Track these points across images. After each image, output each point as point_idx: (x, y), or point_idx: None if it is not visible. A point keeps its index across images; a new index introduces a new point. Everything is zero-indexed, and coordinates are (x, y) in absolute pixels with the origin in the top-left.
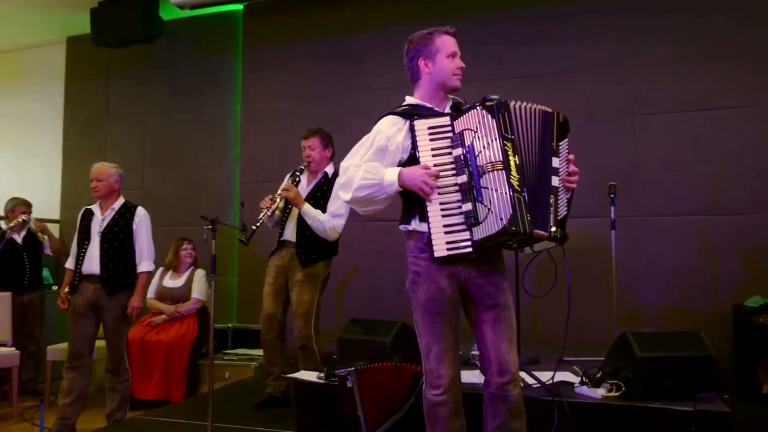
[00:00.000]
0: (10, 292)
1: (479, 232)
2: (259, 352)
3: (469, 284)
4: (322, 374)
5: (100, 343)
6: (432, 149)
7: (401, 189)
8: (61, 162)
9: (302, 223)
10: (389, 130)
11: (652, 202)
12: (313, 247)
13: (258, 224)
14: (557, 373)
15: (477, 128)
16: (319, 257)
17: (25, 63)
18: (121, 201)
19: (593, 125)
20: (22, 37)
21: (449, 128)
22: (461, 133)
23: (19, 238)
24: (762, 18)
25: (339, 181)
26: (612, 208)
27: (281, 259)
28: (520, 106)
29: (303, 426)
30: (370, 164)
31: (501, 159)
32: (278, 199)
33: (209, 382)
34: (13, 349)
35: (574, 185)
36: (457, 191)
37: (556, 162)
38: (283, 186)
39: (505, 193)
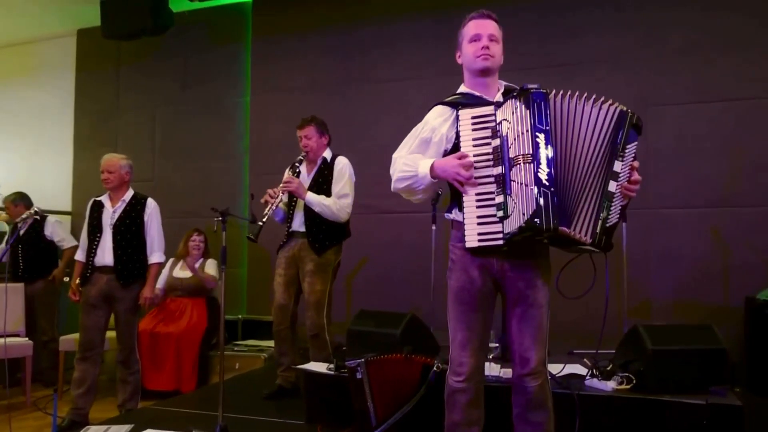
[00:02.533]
0: (22, 284)
1: (507, 226)
2: (269, 343)
3: (502, 277)
4: (331, 365)
5: (111, 334)
6: (473, 139)
7: (435, 180)
8: (72, 153)
9: (310, 212)
10: (435, 120)
11: (664, 194)
12: (324, 233)
13: (264, 219)
14: (567, 365)
15: (511, 119)
16: (332, 243)
17: (36, 55)
18: (131, 192)
19: None
20: (33, 29)
21: (492, 118)
22: (500, 123)
23: (22, 229)
24: None
25: (390, 171)
26: None
27: (291, 250)
28: (575, 98)
29: (313, 417)
30: (409, 156)
31: (531, 152)
32: (281, 194)
33: (220, 372)
34: (26, 339)
35: (634, 194)
36: (493, 183)
37: (618, 165)
38: (284, 179)
39: (531, 187)
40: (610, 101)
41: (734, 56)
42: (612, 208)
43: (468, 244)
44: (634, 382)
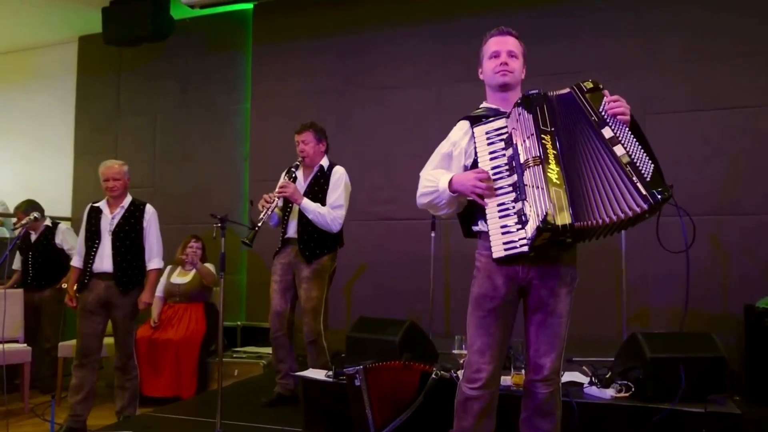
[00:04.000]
0: (21, 290)
1: (528, 231)
2: (268, 349)
3: (528, 285)
4: (330, 372)
5: (109, 340)
6: (489, 153)
7: (455, 194)
8: (73, 159)
9: (303, 219)
10: (455, 135)
11: None
12: (316, 242)
13: (259, 224)
14: (566, 373)
15: (517, 126)
16: (323, 252)
17: (37, 61)
18: (129, 198)
19: None
20: (34, 36)
21: (505, 130)
22: (510, 134)
23: (33, 237)
24: None
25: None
26: None
27: (286, 257)
28: (555, 95)
29: (311, 424)
30: (432, 172)
31: (538, 154)
32: (276, 198)
33: (218, 379)
34: (25, 345)
35: (623, 109)
36: (511, 192)
37: (608, 131)
38: (280, 184)
39: (542, 188)
40: (566, 88)
41: (734, 64)
42: (639, 164)
43: (495, 255)
44: (633, 389)
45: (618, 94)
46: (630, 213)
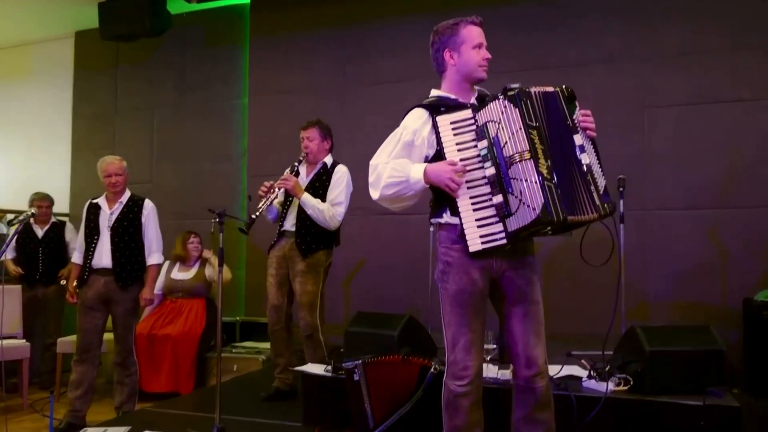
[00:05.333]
0: (19, 286)
1: (512, 224)
2: (267, 345)
3: (501, 277)
4: (329, 367)
5: (108, 336)
6: (457, 143)
7: (428, 185)
8: (70, 155)
9: (302, 213)
10: (415, 123)
11: (662, 195)
12: (312, 236)
13: (258, 212)
14: (565, 366)
15: (500, 119)
16: (319, 247)
17: (34, 57)
18: (128, 194)
19: (603, 118)
20: (31, 31)
21: (472, 121)
22: (485, 125)
23: (40, 232)
24: None
25: (369, 179)
26: (621, 202)
27: (281, 250)
28: (539, 92)
29: (310, 419)
30: (397, 161)
31: (528, 148)
32: (277, 189)
33: (217, 374)
34: (24, 341)
35: (593, 130)
36: (486, 184)
37: (578, 138)
38: (282, 177)
39: (535, 182)
40: (550, 88)
41: (731, 58)
42: (596, 175)
43: (471, 249)
44: (632, 383)
45: (618, 88)
46: (585, 217)
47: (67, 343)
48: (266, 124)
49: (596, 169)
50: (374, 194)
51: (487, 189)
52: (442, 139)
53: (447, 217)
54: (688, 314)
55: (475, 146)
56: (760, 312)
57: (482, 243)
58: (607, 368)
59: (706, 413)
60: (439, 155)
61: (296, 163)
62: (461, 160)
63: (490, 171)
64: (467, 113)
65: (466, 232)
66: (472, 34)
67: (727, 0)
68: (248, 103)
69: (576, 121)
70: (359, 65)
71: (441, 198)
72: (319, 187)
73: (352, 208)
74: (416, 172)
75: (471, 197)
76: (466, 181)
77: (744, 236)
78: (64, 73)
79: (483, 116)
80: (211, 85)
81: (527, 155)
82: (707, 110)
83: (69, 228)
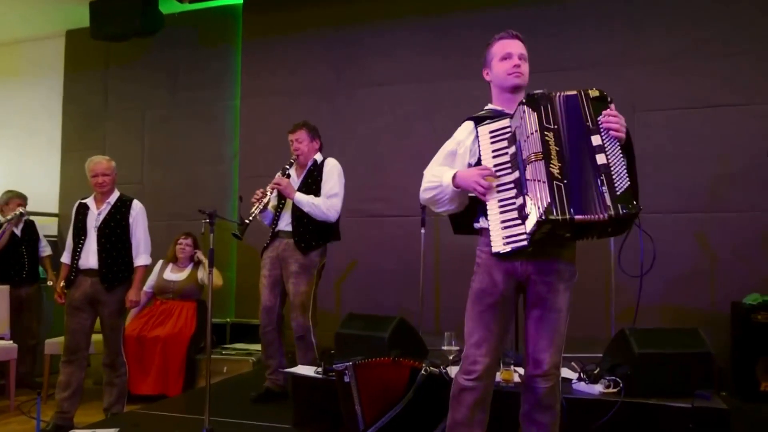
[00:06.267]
0: (8, 286)
1: (528, 225)
2: (258, 346)
3: (526, 280)
4: (319, 369)
5: (97, 337)
6: (493, 151)
7: (458, 189)
8: (60, 155)
9: (297, 212)
10: (461, 134)
11: (652, 199)
12: (311, 233)
13: (251, 218)
14: None
15: (521, 124)
16: (319, 243)
17: (24, 56)
18: (116, 194)
19: None
20: (21, 30)
21: (508, 129)
22: (514, 132)
23: (18, 231)
24: (763, 15)
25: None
26: None
27: (275, 251)
28: (560, 95)
29: (300, 420)
30: (436, 168)
31: (540, 149)
32: (269, 192)
33: (206, 376)
34: (11, 342)
35: (617, 127)
36: (513, 188)
37: (597, 140)
38: (274, 180)
39: (544, 182)
40: (573, 90)
41: (720, 63)
42: (615, 177)
43: (494, 249)
44: (621, 385)
45: (607, 92)
46: (594, 217)
47: (55, 344)
48: (258, 125)
49: (617, 170)
50: (420, 198)
51: (513, 192)
52: (481, 147)
53: (483, 222)
54: (677, 317)
55: (506, 153)
56: (748, 315)
57: (504, 245)
58: (597, 371)
59: (695, 416)
60: (479, 163)
61: (287, 166)
62: (495, 166)
63: (516, 175)
64: (505, 122)
65: (491, 233)
66: (498, 47)
67: (717, 6)
68: (240, 105)
69: (599, 122)
70: (352, 67)
71: (478, 204)
72: (312, 183)
73: (344, 210)
74: (448, 176)
75: (499, 201)
76: (497, 186)
77: (733, 240)
78: (53, 72)
79: (513, 123)
80: (203, 87)
81: (540, 156)
82: (697, 115)
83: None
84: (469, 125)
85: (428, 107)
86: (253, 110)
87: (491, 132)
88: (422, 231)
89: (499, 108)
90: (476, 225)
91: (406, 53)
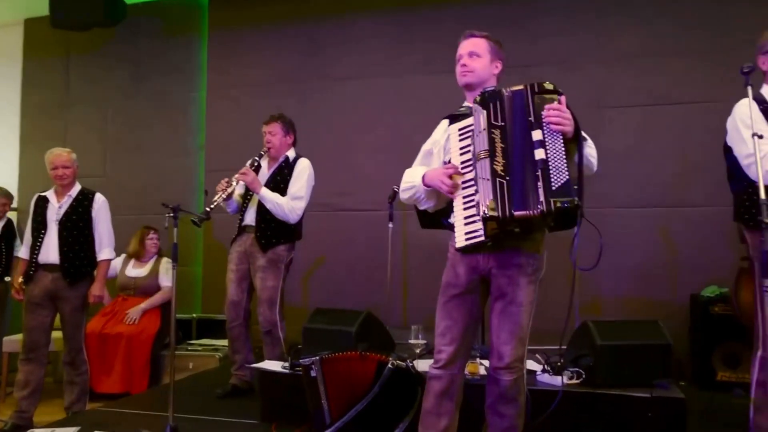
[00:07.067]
0: None
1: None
2: (224, 342)
3: (488, 274)
4: (286, 364)
5: (57, 334)
6: (460, 149)
7: (429, 188)
8: (19, 147)
9: (262, 207)
10: (437, 134)
11: (614, 194)
12: (273, 230)
13: (212, 206)
14: None
15: (474, 122)
16: (279, 241)
17: None
18: (78, 187)
19: None
20: None
21: (472, 126)
22: (472, 130)
23: None
24: (724, 14)
25: None
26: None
27: (242, 245)
28: (509, 91)
29: (267, 416)
30: (414, 168)
31: (487, 147)
32: (234, 183)
33: (170, 371)
34: None
35: (560, 124)
36: (473, 185)
37: (537, 134)
38: (241, 170)
39: (488, 179)
40: (520, 85)
41: (682, 61)
42: (552, 171)
43: (457, 245)
44: (584, 376)
45: (573, 88)
46: (530, 213)
47: (13, 341)
48: (225, 118)
49: (556, 164)
50: (402, 198)
51: (474, 189)
52: (450, 145)
53: (452, 218)
54: (639, 309)
55: (470, 150)
56: (706, 307)
57: (465, 240)
58: (560, 362)
59: (654, 405)
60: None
61: (257, 157)
62: (461, 163)
63: (474, 172)
64: (471, 120)
65: (455, 229)
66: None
67: (678, 5)
68: (206, 97)
69: (542, 116)
70: (319, 60)
71: (449, 200)
72: (281, 180)
73: (313, 204)
74: (419, 177)
75: (463, 197)
76: (462, 183)
77: (692, 234)
78: (12, 61)
79: (473, 121)
80: (168, 77)
81: (486, 154)
82: (658, 112)
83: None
84: (444, 124)
85: (396, 101)
86: (220, 102)
87: (459, 130)
88: (390, 225)
89: (471, 105)
90: (446, 221)
91: (374, 47)
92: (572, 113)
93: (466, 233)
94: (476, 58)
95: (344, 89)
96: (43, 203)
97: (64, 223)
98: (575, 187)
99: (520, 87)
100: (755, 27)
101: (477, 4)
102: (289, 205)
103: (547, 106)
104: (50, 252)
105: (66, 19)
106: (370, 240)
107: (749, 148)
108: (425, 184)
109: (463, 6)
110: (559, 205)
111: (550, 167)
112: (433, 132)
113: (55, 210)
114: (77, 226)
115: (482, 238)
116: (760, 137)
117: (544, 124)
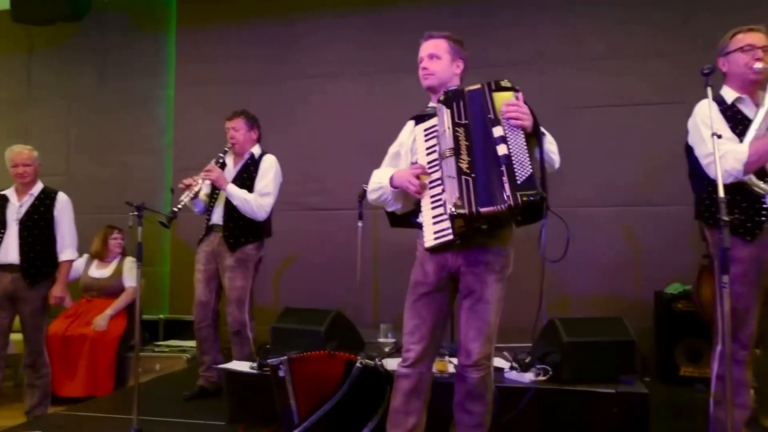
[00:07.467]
0: None
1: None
2: (192, 343)
3: (457, 272)
4: (254, 364)
5: (17, 337)
6: (426, 149)
7: (398, 189)
8: None
9: (229, 205)
10: (403, 135)
11: (581, 194)
12: (241, 229)
13: (179, 206)
14: None
15: (439, 122)
16: (248, 240)
17: None
18: (39, 186)
19: None
20: None
21: (437, 126)
22: (437, 129)
23: None
24: (687, 16)
25: None
26: None
27: (210, 245)
28: (469, 90)
29: (235, 417)
30: (382, 170)
31: (452, 146)
32: (201, 181)
33: (135, 374)
34: None
35: (519, 119)
36: (440, 184)
37: (498, 130)
38: (205, 168)
39: (454, 177)
40: (478, 84)
41: (648, 63)
42: (515, 166)
43: (426, 245)
44: (551, 373)
45: (539, 89)
46: (497, 209)
47: None
48: (193, 115)
49: (519, 158)
50: (370, 200)
51: (441, 188)
52: (417, 146)
53: (420, 217)
54: (605, 306)
55: (436, 150)
56: (669, 304)
57: (435, 239)
58: (528, 359)
59: (618, 400)
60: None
61: (221, 154)
62: (428, 163)
63: (440, 172)
64: (435, 120)
65: (423, 228)
66: None
67: (643, 7)
68: (174, 94)
69: (501, 113)
70: (289, 58)
71: (416, 203)
72: (247, 178)
73: (281, 203)
74: (387, 178)
75: (431, 197)
76: (430, 182)
77: (656, 233)
78: None
79: (438, 121)
80: (134, 74)
81: (451, 152)
82: (624, 112)
83: None
84: (410, 125)
85: (365, 100)
86: (188, 99)
87: (425, 130)
88: (359, 224)
89: (436, 105)
90: (415, 220)
91: (343, 45)
92: (530, 109)
93: (435, 232)
94: (436, 60)
95: (314, 86)
96: (2, 202)
97: (24, 223)
98: (539, 180)
99: (478, 86)
100: (717, 30)
101: (447, 4)
102: (257, 201)
103: (505, 102)
104: (10, 252)
105: (28, 13)
106: (340, 239)
107: (709, 147)
108: (393, 186)
109: (433, 5)
110: (525, 198)
111: (514, 162)
112: (399, 134)
113: (16, 209)
114: (38, 226)
115: (451, 237)
116: (719, 137)
117: (504, 120)
